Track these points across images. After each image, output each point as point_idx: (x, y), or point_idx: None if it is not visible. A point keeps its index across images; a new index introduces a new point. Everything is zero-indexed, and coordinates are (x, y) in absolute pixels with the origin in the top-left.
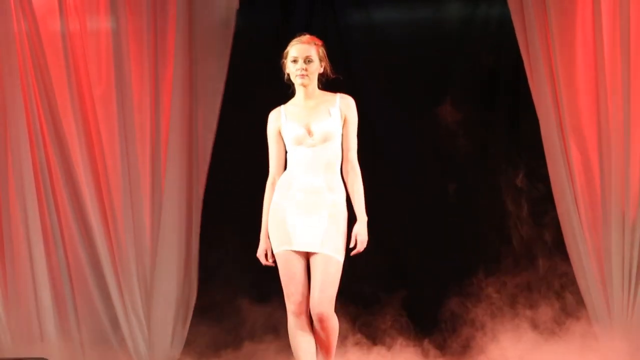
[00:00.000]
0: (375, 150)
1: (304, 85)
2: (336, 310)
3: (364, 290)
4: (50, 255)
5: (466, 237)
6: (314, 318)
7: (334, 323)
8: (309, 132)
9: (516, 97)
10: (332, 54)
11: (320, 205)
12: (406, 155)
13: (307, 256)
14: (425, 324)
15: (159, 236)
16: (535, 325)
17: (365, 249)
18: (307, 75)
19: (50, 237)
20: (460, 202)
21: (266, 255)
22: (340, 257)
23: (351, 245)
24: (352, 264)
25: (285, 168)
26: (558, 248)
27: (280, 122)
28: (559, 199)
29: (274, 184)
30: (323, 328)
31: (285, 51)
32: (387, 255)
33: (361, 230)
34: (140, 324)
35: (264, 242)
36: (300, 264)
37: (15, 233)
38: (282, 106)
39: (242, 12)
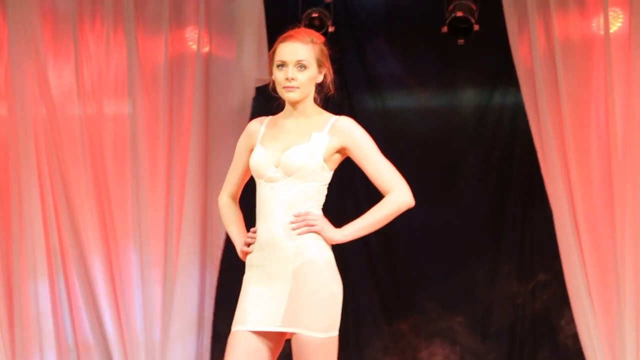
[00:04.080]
0: (385, 235)
1: (293, 102)
2: None
3: None
4: (60, 339)
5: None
6: None
7: None
8: (277, 162)
9: (529, 186)
10: None
11: (277, 262)
12: (417, 243)
13: (268, 337)
14: None
15: (170, 323)
16: None
17: None
18: (298, 88)
19: (60, 322)
20: (468, 296)
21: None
22: (323, 333)
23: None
24: None
25: (240, 190)
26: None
27: (256, 139)
28: (573, 294)
29: (227, 200)
30: None
31: (272, 49)
32: None
33: (326, 227)
34: None
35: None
36: (248, 349)
37: (26, 318)
38: (268, 119)
39: (257, 98)
